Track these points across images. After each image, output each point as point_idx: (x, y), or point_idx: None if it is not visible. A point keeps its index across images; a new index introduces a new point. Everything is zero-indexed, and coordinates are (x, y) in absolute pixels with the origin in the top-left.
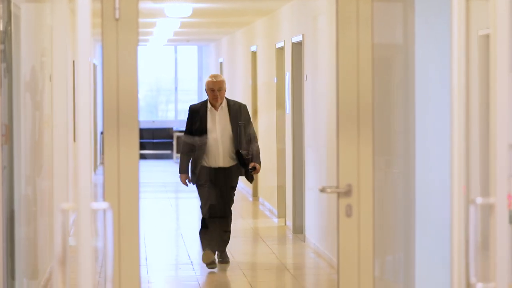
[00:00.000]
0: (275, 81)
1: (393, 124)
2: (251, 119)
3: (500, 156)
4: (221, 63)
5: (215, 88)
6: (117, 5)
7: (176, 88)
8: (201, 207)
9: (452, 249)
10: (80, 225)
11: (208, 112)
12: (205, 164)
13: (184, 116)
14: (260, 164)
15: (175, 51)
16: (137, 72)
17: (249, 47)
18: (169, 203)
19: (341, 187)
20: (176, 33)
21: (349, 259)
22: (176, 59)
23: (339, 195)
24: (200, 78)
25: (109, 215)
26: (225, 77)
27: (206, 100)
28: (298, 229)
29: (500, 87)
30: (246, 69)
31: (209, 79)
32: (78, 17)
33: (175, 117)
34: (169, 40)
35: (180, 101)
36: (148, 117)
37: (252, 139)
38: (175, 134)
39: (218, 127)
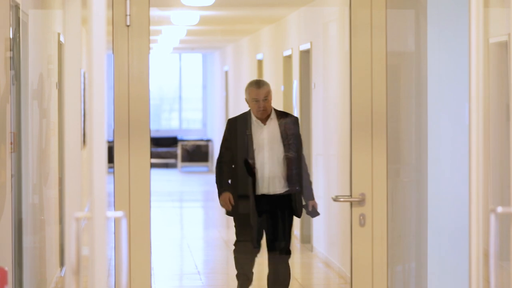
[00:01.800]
0: (282, 89)
1: (405, 132)
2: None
3: None
4: (226, 72)
5: (259, 98)
6: (128, 12)
7: (180, 97)
8: (237, 245)
9: (471, 260)
10: (95, 234)
11: (253, 127)
12: (247, 192)
13: (188, 125)
14: (314, 199)
15: (180, 59)
16: (149, 79)
17: (255, 55)
18: (174, 212)
19: (354, 196)
20: (182, 41)
21: (363, 269)
22: (180, 67)
23: (352, 204)
24: (204, 87)
25: (124, 223)
26: (230, 86)
27: (249, 111)
28: (306, 238)
29: None
30: (252, 78)
31: (251, 87)
32: (93, 25)
33: (179, 126)
34: (175, 48)
35: (184, 109)
36: (151, 126)
37: (304, 164)
38: (180, 143)
39: (267, 146)
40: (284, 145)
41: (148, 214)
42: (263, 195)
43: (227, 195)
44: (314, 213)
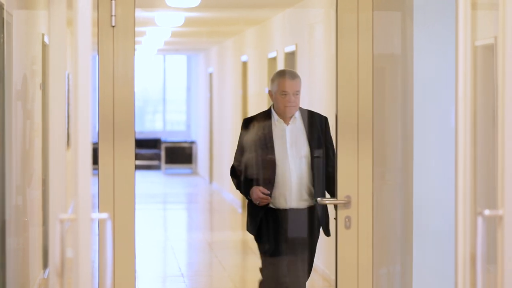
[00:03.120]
0: (267, 91)
1: (391, 135)
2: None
3: (508, 167)
4: (210, 74)
5: (289, 91)
6: (113, 13)
7: (164, 98)
8: (262, 270)
9: (457, 263)
10: (79, 236)
11: (275, 127)
12: (271, 205)
13: (172, 126)
14: None
15: (164, 61)
16: (134, 80)
17: (239, 57)
18: (158, 214)
19: (340, 198)
20: (166, 43)
21: (348, 272)
22: (164, 69)
23: (338, 206)
24: (188, 88)
25: (109, 225)
26: (215, 88)
27: (269, 109)
28: None
29: (509, 96)
30: (236, 80)
31: (282, 78)
32: (79, 26)
33: (163, 127)
34: (159, 50)
35: (168, 111)
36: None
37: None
38: (163, 145)
39: (291, 149)
40: (311, 150)
41: (133, 216)
42: (285, 210)
43: (256, 188)
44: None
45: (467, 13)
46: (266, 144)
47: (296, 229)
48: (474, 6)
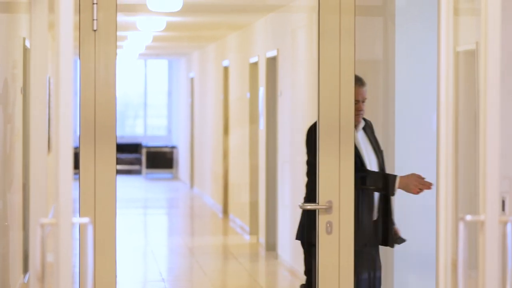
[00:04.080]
0: (248, 96)
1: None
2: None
3: (490, 172)
4: (192, 78)
5: (360, 99)
6: (95, 17)
7: (145, 103)
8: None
9: (438, 269)
10: (60, 240)
11: None
12: None
13: (153, 131)
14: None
15: (145, 65)
16: (115, 85)
17: (221, 62)
18: (138, 219)
19: (321, 203)
20: (147, 47)
21: (329, 277)
22: (145, 74)
23: (319, 211)
24: (170, 93)
25: (90, 230)
26: (196, 92)
27: None
28: (271, 246)
29: (490, 102)
30: (217, 84)
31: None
32: (60, 30)
33: (144, 132)
34: (141, 54)
35: (149, 116)
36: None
37: None
38: (144, 150)
39: (366, 158)
40: (378, 157)
41: (114, 220)
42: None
43: (413, 176)
44: (399, 240)
45: (449, 19)
46: None
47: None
48: (456, 12)
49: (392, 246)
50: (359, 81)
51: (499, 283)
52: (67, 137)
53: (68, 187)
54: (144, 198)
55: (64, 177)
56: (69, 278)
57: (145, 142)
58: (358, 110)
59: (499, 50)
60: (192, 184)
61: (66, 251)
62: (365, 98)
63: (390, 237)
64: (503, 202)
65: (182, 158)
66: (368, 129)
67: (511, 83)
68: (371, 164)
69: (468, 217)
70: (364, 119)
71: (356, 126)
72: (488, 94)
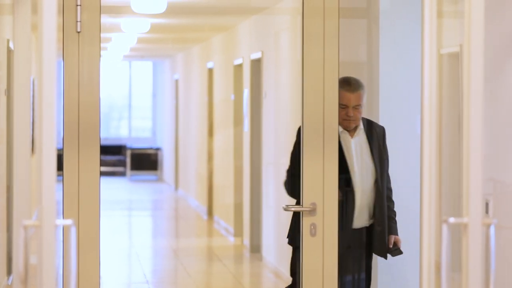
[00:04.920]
0: (233, 98)
1: None
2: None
3: (473, 175)
4: (176, 80)
5: (349, 104)
6: (79, 18)
7: (129, 105)
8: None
9: (422, 271)
10: (43, 242)
11: (340, 139)
12: None
13: (137, 133)
14: (397, 234)
15: (130, 67)
16: (99, 86)
17: (205, 63)
18: (123, 221)
19: (305, 205)
20: (132, 49)
21: (313, 279)
22: (130, 75)
23: (303, 213)
24: (154, 95)
25: (73, 232)
26: (181, 94)
27: None
28: (256, 248)
29: (474, 104)
30: (202, 86)
31: (341, 89)
32: (44, 32)
33: (128, 134)
34: (125, 56)
35: (133, 117)
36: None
37: (389, 188)
38: (129, 152)
39: (356, 164)
40: (374, 165)
41: (98, 222)
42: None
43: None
44: (395, 251)
45: (433, 21)
46: None
47: (356, 249)
48: (440, 15)
49: (385, 256)
50: (348, 85)
51: (482, 286)
52: (50, 138)
53: (52, 189)
54: (129, 200)
55: (47, 179)
56: (53, 280)
57: (129, 143)
58: (346, 116)
59: (482, 52)
60: (176, 186)
61: (49, 253)
62: (359, 104)
63: (384, 246)
64: (487, 205)
65: (166, 160)
66: (372, 137)
67: (495, 85)
68: (362, 172)
69: (452, 220)
70: (371, 125)
71: (350, 132)
72: (472, 97)
